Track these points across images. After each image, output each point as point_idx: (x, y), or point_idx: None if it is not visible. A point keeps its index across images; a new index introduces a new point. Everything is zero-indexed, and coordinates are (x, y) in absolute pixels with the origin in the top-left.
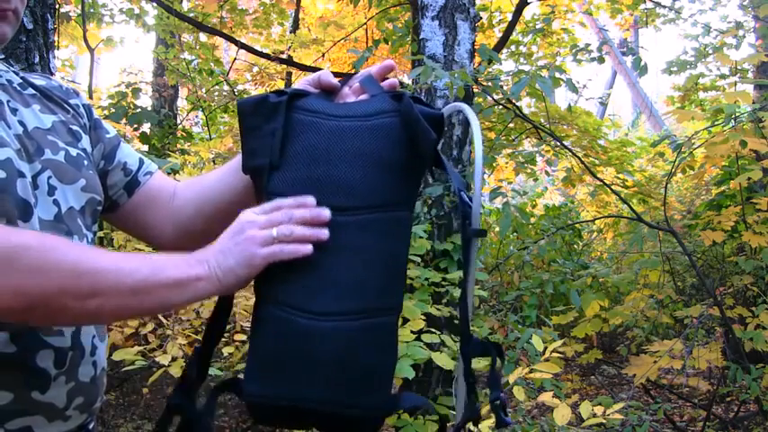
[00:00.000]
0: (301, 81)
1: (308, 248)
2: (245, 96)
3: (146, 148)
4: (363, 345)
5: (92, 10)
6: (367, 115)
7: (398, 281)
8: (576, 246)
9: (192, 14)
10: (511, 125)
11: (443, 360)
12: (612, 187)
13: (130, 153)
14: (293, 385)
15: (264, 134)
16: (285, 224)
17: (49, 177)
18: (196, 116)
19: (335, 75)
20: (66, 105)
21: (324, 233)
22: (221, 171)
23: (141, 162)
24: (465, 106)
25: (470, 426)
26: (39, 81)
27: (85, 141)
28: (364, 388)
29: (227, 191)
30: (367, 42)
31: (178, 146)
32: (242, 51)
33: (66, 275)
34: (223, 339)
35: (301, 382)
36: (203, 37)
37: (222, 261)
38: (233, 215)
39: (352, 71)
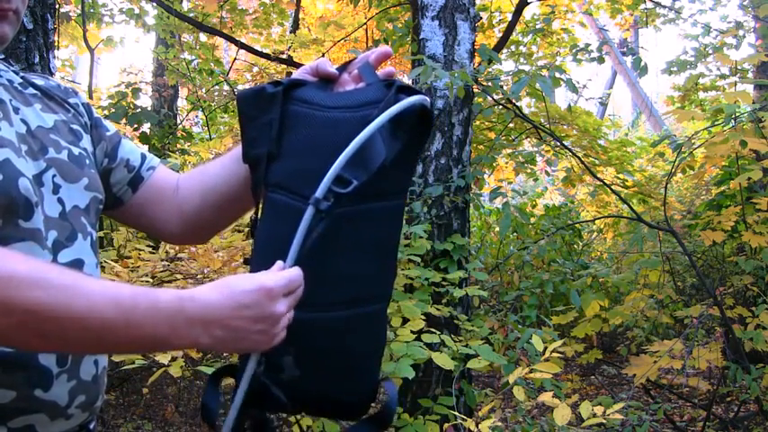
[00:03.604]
0: (300, 70)
1: None
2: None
3: (146, 148)
4: (353, 332)
5: (92, 10)
6: (358, 106)
7: (389, 269)
8: (576, 246)
9: (192, 14)
10: (511, 125)
11: (443, 360)
12: (612, 187)
13: (132, 149)
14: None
15: (263, 124)
16: None
17: (54, 176)
18: (196, 116)
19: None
20: (66, 105)
21: None
22: (225, 159)
23: (144, 157)
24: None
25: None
26: (38, 81)
27: (86, 141)
28: (354, 375)
29: (232, 178)
30: (367, 42)
31: (178, 146)
32: (242, 51)
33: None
34: None
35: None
36: (203, 37)
37: (230, 342)
38: (238, 203)
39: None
